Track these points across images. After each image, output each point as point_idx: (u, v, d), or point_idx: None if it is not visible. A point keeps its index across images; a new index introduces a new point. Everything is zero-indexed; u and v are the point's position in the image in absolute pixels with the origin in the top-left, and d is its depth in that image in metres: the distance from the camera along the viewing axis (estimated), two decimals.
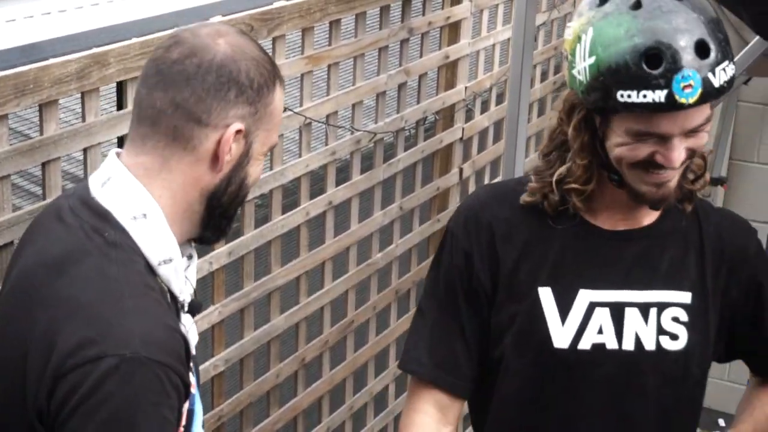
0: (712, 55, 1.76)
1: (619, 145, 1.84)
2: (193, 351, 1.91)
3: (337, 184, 2.99)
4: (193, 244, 1.90)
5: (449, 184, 3.51)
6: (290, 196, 2.86)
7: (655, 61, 1.75)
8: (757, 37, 2.71)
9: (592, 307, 1.97)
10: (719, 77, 1.77)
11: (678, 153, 1.81)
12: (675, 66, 1.74)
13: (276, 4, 2.60)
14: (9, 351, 1.72)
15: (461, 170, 3.56)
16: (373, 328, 3.34)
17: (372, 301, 3.29)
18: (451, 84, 3.40)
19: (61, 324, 1.65)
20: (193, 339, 1.92)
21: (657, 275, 1.98)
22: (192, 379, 1.82)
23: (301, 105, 2.74)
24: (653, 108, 1.77)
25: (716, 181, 4.56)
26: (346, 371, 3.22)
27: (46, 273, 1.76)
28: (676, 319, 1.98)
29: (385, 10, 3.00)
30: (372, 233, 3.19)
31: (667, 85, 1.74)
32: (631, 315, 1.97)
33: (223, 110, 1.75)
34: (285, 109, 2.65)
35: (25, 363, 1.65)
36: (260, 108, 1.78)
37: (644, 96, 1.75)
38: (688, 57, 1.75)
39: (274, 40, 2.61)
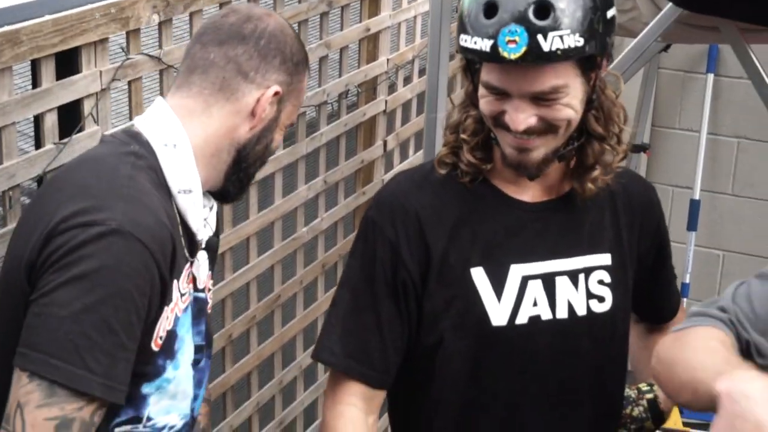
0: (550, 18, 1.76)
1: (481, 97, 1.88)
2: (202, 280, 2.00)
3: None
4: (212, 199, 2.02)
5: (373, 157, 3.50)
6: None
7: (490, 12, 1.77)
8: (670, 4, 2.71)
9: (525, 280, 1.98)
10: (551, 42, 1.76)
11: (521, 116, 1.83)
12: (505, 19, 1.76)
13: None
14: (24, 227, 1.85)
15: (385, 143, 3.55)
16: (301, 302, 3.33)
17: (299, 275, 3.28)
18: (372, 57, 3.39)
19: (65, 200, 1.77)
20: (203, 272, 2.00)
21: (580, 241, 2.01)
22: (176, 295, 1.87)
23: None
24: (479, 55, 1.82)
25: (638, 148, 4.61)
26: (274, 346, 3.21)
27: (69, 168, 1.95)
28: (601, 282, 2.02)
29: None
30: (297, 208, 3.17)
31: (494, 36, 1.77)
32: (562, 284, 2.00)
33: (268, 72, 1.90)
34: None
35: (31, 234, 1.77)
36: (295, 81, 1.93)
37: (474, 42, 1.79)
38: (521, 14, 1.76)
39: (191, 15, 2.58)
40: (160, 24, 2.47)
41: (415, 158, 3.74)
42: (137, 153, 1.87)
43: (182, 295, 1.89)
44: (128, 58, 2.40)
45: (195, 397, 2.01)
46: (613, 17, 1.88)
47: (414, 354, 2.05)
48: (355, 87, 3.34)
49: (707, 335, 1.87)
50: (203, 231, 1.96)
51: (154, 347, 1.84)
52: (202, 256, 1.98)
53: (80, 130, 2.32)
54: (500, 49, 1.76)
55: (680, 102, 4.66)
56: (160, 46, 2.50)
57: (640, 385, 2.23)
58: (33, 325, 1.73)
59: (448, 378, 2.03)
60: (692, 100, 4.63)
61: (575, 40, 1.78)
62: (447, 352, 2.01)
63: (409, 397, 2.12)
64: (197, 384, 2.00)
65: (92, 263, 1.73)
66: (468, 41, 1.81)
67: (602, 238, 2.03)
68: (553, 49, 1.76)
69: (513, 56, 1.76)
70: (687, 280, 4.62)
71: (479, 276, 1.97)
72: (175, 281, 1.86)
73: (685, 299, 4.49)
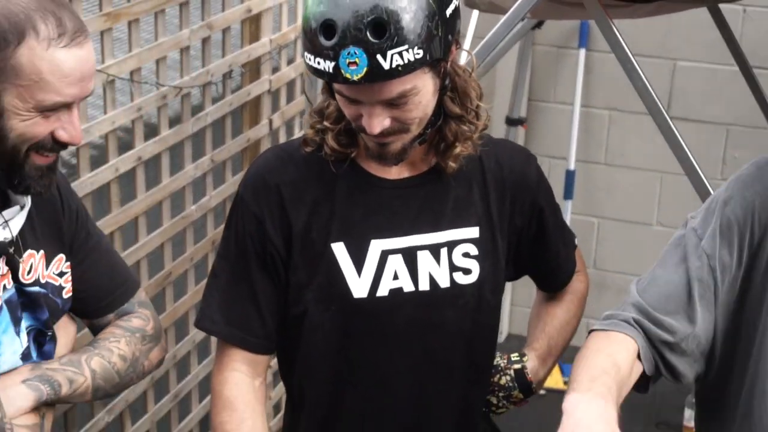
0: (386, 37, 1.74)
1: (338, 100, 1.92)
2: (27, 275, 1.92)
3: (146, 139, 2.95)
4: (28, 197, 1.88)
5: (260, 135, 3.52)
6: (100, 152, 2.83)
7: (328, 33, 1.75)
8: None
9: (384, 255, 2.01)
10: (390, 60, 1.74)
11: (374, 120, 1.86)
12: (343, 42, 1.74)
13: None
14: None
15: (270, 121, 3.57)
16: (192, 278, 3.34)
17: (189, 252, 3.29)
18: (255, 37, 3.40)
19: None
20: (26, 269, 1.91)
21: (443, 216, 2.04)
22: None
23: (102, 62, 2.68)
24: (323, 75, 1.82)
25: (516, 122, 4.69)
26: (167, 321, 3.20)
27: None
28: (466, 254, 2.05)
29: None
30: (185, 186, 3.18)
31: (335, 58, 1.75)
32: (423, 257, 2.02)
33: None
34: None
35: None
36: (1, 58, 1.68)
37: (318, 63, 1.78)
38: (359, 35, 1.74)
39: None
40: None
41: (300, 136, 3.74)
42: None
43: None
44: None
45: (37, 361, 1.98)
46: (453, 11, 1.85)
47: (285, 324, 2.09)
48: (238, 67, 3.34)
49: (598, 344, 1.91)
50: (2, 232, 1.85)
51: None
52: (8, 259, 1.89)
53: None
54: (342, 71, 1.76)
55: (555, 76, 4.73)
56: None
57: (512, 355, 2.25)
58: None
59: (315, 349, 2.08)
60: (566, 75, 4.70)
61: (415, 54, 1.77)
62: (312, 323, 2.05)
63: (287, 366, 2.17)
64: (38, 356, 1.99)
65: None
66: (311, 60, 1.81)
67: (469, 211, 2.06)
68: (394, 66, 1.76)
69: (355, 77, 1.75)
70: None
71: (340, 250, 2.01)
72: None
73: None
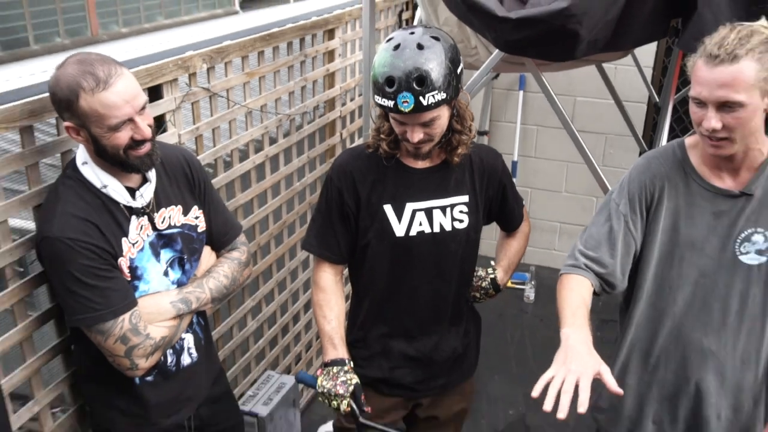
0: (425, 86, 1.76)
1: (391, 121, 1.90)
2: (161, 223, 1.87)
3: (270, 144, 2.91)
4: (151, 174, 1.84)
5: (334, 143, 3.45)
6: (243, 153, 2.80)
7: (390, 83, 1.78)
8: (497, 50, 2.70)
9: (414, 212, 2.00)
10: (428, 100, 1.78)
11: (415, 135, 1.86)
12: (399, 89, 1.77)
13: (225, 43, 2.50)
14: None
15: (341, 134, 3.49)
16: (297, 225, 3.27)
17: (296, 209, 3.21)
18: (331, 85, 3.33)
19: None
20: (159, 220, 1.87)
21: (448, 189, 2.01)
22: (126, 245, 1.79)
23: (244, 100, 2.65)
24: (387, 109, 1.82)
25: (483, 133, 4.60)
26: (283, 249, 3.16)
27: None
28: (461, 211, 2.03)
29: (290, 45, 2.92)
30: (293, 172, 3.12)
31: (394, 98, 1.78)
32: (437, 213, 2.01)
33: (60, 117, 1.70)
34: (235, 104, 2.59)
35: None
36: (74, 117, 1.66)
37: (383, 102, 1.82)
38: (409, 85, 1.76)
39: (225, 64, 2.52)
40: (207, 69, 2.42)
41: (357, 143, 3.69)
42: (68, 176, 1.76)
43: (133, 243, 1.80)
44: (190, 90, 2.35)
45: (181, 283, 1.95)
46: (461, 70, 1.87)
47: (356, 251, 2.07)
48: (322, 103, 3.28)
49: (570, 284, 1.87)
50: (135, 202, 1.81)
51: (127, 277, 1.80)
52: (134, 222, 1.82)
53: (164, 131, 2.27)
54: (398, 107, 1.79)
55: (505, 106, 4.64)
56: (208, 82, 2.45)
57: (488, 269, 2.23)
58: None
59: (374, 264, 2.06)
60: (511, 105, 4.60)
61: (441, 96, 1.79)
62: (373, 250, 2.04)
63: (356, 275, 2.14)
64: (183, 275, 1.95)
65: (47, 257, 1.72)
66: (380, 100, 1.82)
67: (463, 187, 2.04)
68: (429, 103, 1.78)
69: (407, 110, 1.79)
70: None
71: (388, 209, 2.00)
72: (123, 239, 1.78)
73: None
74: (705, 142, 1.71)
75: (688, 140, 1.85)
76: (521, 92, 4.50)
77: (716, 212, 1.78)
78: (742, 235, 1.76)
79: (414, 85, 1.75)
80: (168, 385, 1.95)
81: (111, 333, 1.73)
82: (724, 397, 1.87)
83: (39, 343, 1.96)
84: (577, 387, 1.51)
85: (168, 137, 2.26)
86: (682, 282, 1.83)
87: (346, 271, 2.21)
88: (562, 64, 2.93)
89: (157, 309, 1.84)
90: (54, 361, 1.99)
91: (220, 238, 2.05)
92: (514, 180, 4.68)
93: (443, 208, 2.01)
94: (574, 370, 1.54)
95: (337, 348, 2.02)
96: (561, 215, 4.71)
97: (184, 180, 1.94)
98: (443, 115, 1.86)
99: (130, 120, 1.67)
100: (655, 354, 1.91)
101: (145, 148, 1.73)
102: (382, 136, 1.98)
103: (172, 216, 1.89)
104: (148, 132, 1.72)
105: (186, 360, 1.99)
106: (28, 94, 1.80)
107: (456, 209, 2.03)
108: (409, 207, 2.00)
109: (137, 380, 1.89)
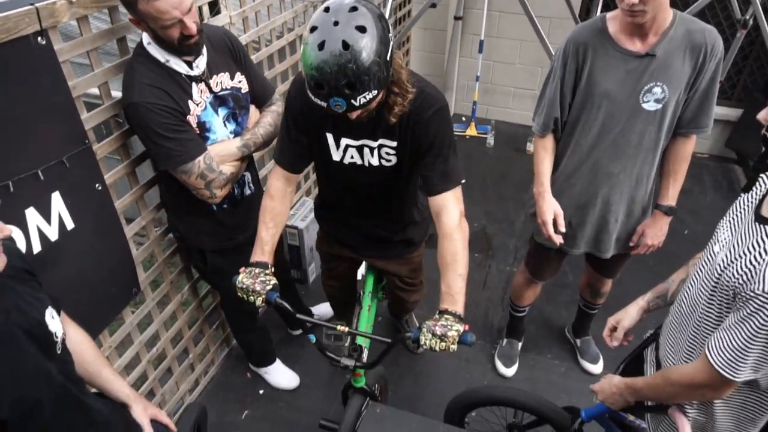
0: (355, 89, 1.33)
1: None
2: (216, 86, 1.79)
3: (298, 26, 2.68)
4: (204, 52, 1.74)
5: None
6: (279, 33, 2.62)
7: (320, 87, 1.33)
8: None
9: (347, 146, 1.68)
10: (360, 101, 1.36)
11: (354, 115, 1.45)
12: (330, 94, 1.34)
13: None
14: None
15: None
16: None
17: None
18: None
19: None
20: (214, 84, 1.78)
21: (377, 133, 1.65)
22: (192, 105, 1.72)
23: None
24: (320, 108, 1.39)
25: (458, 18, 4.32)
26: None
27: None
28: (388, 153, 1.68)
29: None
30: None
31: (326, 101, 1.35)
32: (367, 151, 1.68)
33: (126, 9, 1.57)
34: None
35: None
36: (137, 12, 1.55)
37: (316, 100, 1.37)
38: (339, 91, 1.33)
39: None
40: None
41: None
42: (139, 53, 1.67)
43: (197, 104, 1.74)
44: None
45: (236, 133, 1.89)
46: (391, 51, 1.37)
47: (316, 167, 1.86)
48: None
49: (544, 146, 1.94)
50: (193, 71, 1.72)
51: (196, 131, 1.74)
52: (195, 88, 1.73)
53: (218, 13, 2.13)
54: (332, 109, 1.37)
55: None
56: None
57: (456, 326, 1.63)
58: None
59: (320, 177, 1.85)
60: None
61: (372, 93, 1.37)
62: (317, 166, 1.79)
63: (320, 186, 1.96)
64: (237, 126, 1.89)
65: (131, 117, 1.67)
66: (312, 97, 1.38)
67: (393, 133, 1.62)
68: (361, 103, 1.37)
69: (340, 112, 1.37)
70: None
71: (330, 137, 1.67)
72: (188, 101, 1.71)
73: None
74: (624, 14, 1.69)
75: (609, 15, 1.82)
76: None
77: (627, 69, 1.75)
78: (646, 87, 1.75)
79: (345, 90, 1.34)
80: (237, 211, 2.01)
81: (192, 171, 1.75)
82: (621, 206, 1.98)
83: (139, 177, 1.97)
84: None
85: (221, 19, 2.13)
86: (598, 122, 1.87)
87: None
88: None
89: (227, 152, 1.86)
90: (150, 191, 2.01)
91: (259, 96, 1.99)
92: (479, 55, 4.55)
93: (371, 149, 1.67)
94: (549, 210, 1.96)
95: (265, 254, 1.64)
96: (515, 82, 4.58)
97: (228, 52, 1.87)
98: (378, 98, 1.43)
99: (179, 21, 1.59)
100: (575, 175, 1.99)
101: (194, 39, 1.65)
102: None
103: (222, 81, 1.84)
104: (194, 29, 1.62)
105: (247, 191, 2.04)
106: None
107: (384, 150, 1.67)
108: (344, 141, 1.67)
109: (215, 208, 1.95)
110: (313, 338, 1.64)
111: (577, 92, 1.84)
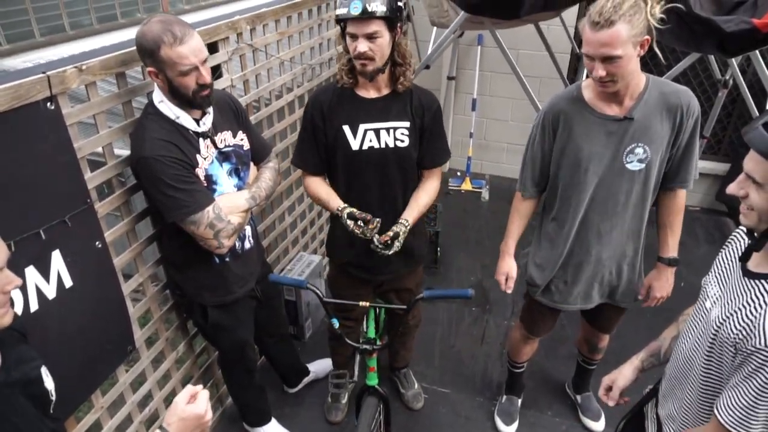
0: None
1: (347, 41, 1.79)
2: (220, 143, 1.84)
3: (297, 87, 2.76)
4: (209, 111, 1.79)
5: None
6: (278, 94, 2.70)
7: None
8: (462, 12, 2.62)
9: (365, 131, 1.88)
10: (372, 7, 1.70)
11: (360, 45, 1.76)
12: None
13: (262, 10, 2.38)
14: None
15: None
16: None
17: None
18: (341, 42, 3.20)
19: None
20: (219, 140, 1.83)
21: (391, 115, 1.88)
22: (200, 159, 1.76)
23: (278, 53, 2.51)
24: (343, 16, 1.73)
25: (451, 78, 4.49)
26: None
27: None
28: (402, 133, 1.89)
29: (310, 11, 2.76)
30: None
31: (347, 6, 1.71)
32: (383, 133, 1.88)
33: (144, 62, 1.64)
34: (271, 56, 2.51)
35: None
36: (155, 63, 1.61)
37: (340, 10, 1.73)
38: None
39: (263, 26, 2.40)
40: (250, 30, 2.32)
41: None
42: (149, 112, 1.71)
43: (204, 158, 1.78)
44: (238, 45, 2.27)
45: (239, 187, 1.94)
46: (404, 4, 1.77)
47: (329, 162, 2.00)
48: (335, 56, 3.12)
49: (515, 206, 2.00)
50: (200, 128, 1.77)
51: (204, 184, 1.79)
52: (203, 143, 1.78)
53: (220, 76, 2.21)
54: (350, 12, 1.70)
55: (468, 57, 4.52)
56: (251, 39, 2.35)
57: (402, 221, 1.97)
58: None
59: (338, 172, 1.98)
60: (472, 57, 4.46)
61: (383, 8, 1.70)
62: (337, 160, 1.96)
63: (331, 177, 2.06)
64: (239, 181, 1.94)
65: (143, 171, 1.69)
66: (338, 10, 1.73)
67: (404, 115, 1.90)
68: (373, 10, 1.70)
69: (356, 14, 1.70)
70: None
71: (347, 129, 1.89)
72: (197, 155, 1.75)
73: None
74: (596, 84, 1.74)
75: (584, 83, 1.88)
76: (479, 47, 4.37)
77: (607, 132, 1.79)
78: (628, 148, 1.79)
79: None
80: (237, 264, 2.01)
81: (201, 222, 1.76)
82: (613, 262, 2.00)
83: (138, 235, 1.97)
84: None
85: (223, 82, 2.20)
86: (587, 185, 1.89)
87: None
88: (509, 23, 2.85)
89: (235, 204, 1.89)
90: (149, 248, 2.01)
91: (258, 153, 2.04)
92: (473, 113, 4.70)
93: (387, 129, 1.88)
94: (503, 272, 2.03)
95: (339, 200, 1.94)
96: (507, 138, 4.68)
97: (231, 112, 1.93)
98: (384, 35, 1.74)
99: (196, 68, 1.66)
100: (567, 234, 2.00)
101: (206, 91, 1.71)
102: (343, 69, 1.86)
103: (226, 138, 1.89)
104: (208, 78, 1.71)
105: (247, 245, 2.04)
106: (120, 48, 1.75)
107: (398, 131, 1.89)
108: (362, 127, 1.87)
109: (217, 260, 1.95)
110: (336, 322, 1.89)
111: (563, 157, 1.87)
